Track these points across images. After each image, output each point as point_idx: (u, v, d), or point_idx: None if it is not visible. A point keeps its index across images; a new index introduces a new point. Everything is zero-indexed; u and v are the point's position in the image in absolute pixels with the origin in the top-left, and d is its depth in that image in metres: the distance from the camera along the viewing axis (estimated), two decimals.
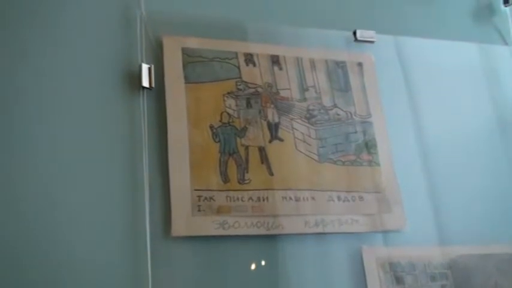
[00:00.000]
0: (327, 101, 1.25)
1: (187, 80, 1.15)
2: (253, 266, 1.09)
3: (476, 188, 1.29)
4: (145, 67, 1.13)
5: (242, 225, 1.09)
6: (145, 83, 1.12)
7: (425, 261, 1.17)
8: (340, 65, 1.29)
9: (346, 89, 1.27)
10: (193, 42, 1.19)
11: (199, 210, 1.07)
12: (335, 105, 1.25)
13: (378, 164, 1.23)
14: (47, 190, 1.02)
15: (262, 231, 1.10)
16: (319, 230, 1.13)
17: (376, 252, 1.15)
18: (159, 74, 1.14)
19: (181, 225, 1.05)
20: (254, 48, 1.23)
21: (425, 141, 1.30)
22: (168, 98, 1.13)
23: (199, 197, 1.08)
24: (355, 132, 1.24)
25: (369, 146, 1.24)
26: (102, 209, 1.03)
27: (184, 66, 1.16)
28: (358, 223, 1.16)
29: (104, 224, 1.02)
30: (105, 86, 1.12)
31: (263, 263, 1.10)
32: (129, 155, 1.08)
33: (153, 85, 1.12)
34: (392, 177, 1.22)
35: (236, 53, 1.21)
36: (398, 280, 1.14)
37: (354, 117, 1.25)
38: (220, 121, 1.15)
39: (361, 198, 1.19)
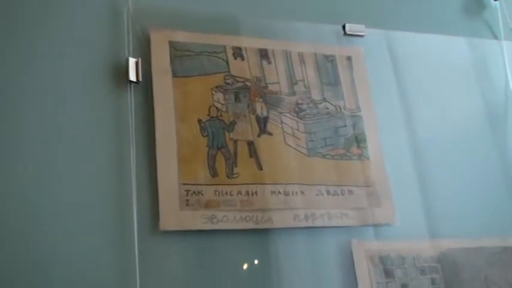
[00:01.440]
0: (316, 95, 1.24)
1: (175, 74, 1.15)
2: (242, 260, 1.09)
3: (467, 182, 1.29)
4: (132, 61, 1.12)
5: (231, 219, 1.08)
6: (132, 77, 1.11)
7: (414, 255, 1.16)
8: (330, 58, 1.28)
9: (335, 82, 1.27)
10: (180, 36, 1.18)
11: (187, 205, 1.06)
12: (324, 99, 1.24)
13: (368, 158, 1.22)
14: (34, 185, 1.01)
15: (251, 226, 1.09)
16: (309, 224, 1.13)
17: (365, 246, 1.15)
18: (146, 68, 1.13)
19: (169, 219, 1.04)
20: (242, 41, 1.22)
21: (415, 135, 1.30)
22: (155, 92, 1.12)
23: (187, 191, 1.07)
24: (345, 126, 1.24)
25: (359, 140, 1.23)
26: (89, 204, 1.02)
27: (172, 60, 1.15)
28: (348, 217, 1.16)
29: (91, 219, 1.01)
30: (92, 80, 1.11)
31: (252, 257, 1.10)
32: (116, 149, 1.07)
33: (140, 79, 1.11)
34: (382, 171, 1.22)
35: (224, 47, 1.20)
36: (388, 273, 1.13)
37: (344, 111, 1.25)
38: (208, 115, 1.14)
39: (350, 192, 1.18)
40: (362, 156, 1.22)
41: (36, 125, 1.04)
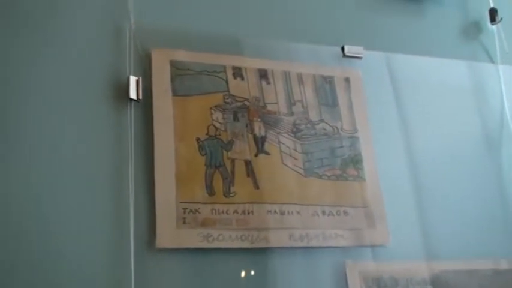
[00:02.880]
0: (313, 116, 1.26)
1: (175, 92, 1.16)
2: (238, 279, 1.10)
3: (462, 204, 1.30)
4: (133, 79, 1.13)
5: (226, 238, 1.09)
6: (133, 95, 1.12)
7: (408, 276, 1.17)
8: (328, 80, 1.30)
9: (333, 104, 1.29)
10: (181, 55, 1.20)
11: (184, 223, 1.08)
12: (322, 120, 1.26)
13: (364, 179, 1.24)
14: (32, 201, 1.02)
15: (247, 245, 1.10)
16: (304, 244, 1.14)
17: (359, 267, 1.16)
18: (147, 87, 1.15)
19: (166, 237, 1.06)
20: (242, 62, 1.24)
21: (411, 157, 1.31)
22: (155, 111, 1.13)
23: (184, 209, 1.09)
24: (342, 147, 1.25)
25: (355, 161, 1.25)
26: (86, 220, 1.03)
27: (173, 78, 1.17)
28: (342, 237, 1.17)
29: (88, 236, 1.03)
30: (93, 98, 1.12)
31: (248, 276, 1.11)
32: (115, 165, 1.08)
33: (140, 97, 1.13)
34: (377, 193, 1.23)
35: (224, 67, 1.22)
36: None
37: (341, 132, 1.26)
38: (207, 134, 1.16)
39: (345, 212, 1.19)
40: (358, 177, 1.23)
41: (36, 139, 1.06)
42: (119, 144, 1.10)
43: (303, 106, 1.26)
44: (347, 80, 1.31)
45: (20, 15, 1.12)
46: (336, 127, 1.26)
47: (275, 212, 1.14)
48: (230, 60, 1.23)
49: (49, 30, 1.14)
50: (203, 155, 1.14)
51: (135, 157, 1.09)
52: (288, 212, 1.15)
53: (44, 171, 1.04)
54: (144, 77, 1.15)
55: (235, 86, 1.22)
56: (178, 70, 1.18)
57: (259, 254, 1.12)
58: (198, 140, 1.14)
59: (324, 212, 1.18)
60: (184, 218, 1.08)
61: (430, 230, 1.25)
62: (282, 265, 1.12)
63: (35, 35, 1.12)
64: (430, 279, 1.19)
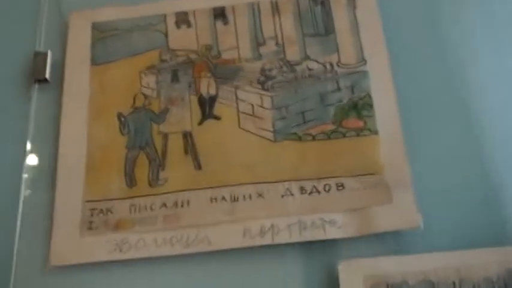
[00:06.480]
0: (293, 54, 0.87)
1: (95, 61, 0.90)
2: None
3: None
4: (41, 54, 0.90)
5: (149, 243, 0.77)
6: (39, 73, 0.89)
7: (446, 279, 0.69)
8: (319, 0, 0.90)
9: (325, 32, 0.88)
10: (108, 14, 0.93)
11: (90, 228, 0.79)
12: (307, 57, 0.86)
13: (375, 132, 0.80)
14: None
15: (178, 250, 0.76)
16: (266, 241, 0.75)
17: (363, 270, 0.72)
18: (60, 61, 0.90)
19: (63, 251, 0.78)
20: (190, 4, 0.92)
21: (454, 97, 0.83)
22: (65, 90, 0.88)
23: (92, 210, 0.80)
24: (337, 89, 0.84)
25: (360, 106, 0.82)
26: None
27: (93, 45, 0.91)
28: (335, 225, 0.75)
29: None
30: None
31: None
32: (10, 160, 0.85)
33: (50, 75, 0.89)
34: (398, 150, 0.78)
35: (164, 16, 0.92)
36: None
37: (336, 68, 0.85)
38: (132, 106, 0.86)
39: (340, 186, 0.77)
40: (365, 130, 0.80)
41: None
42: (18, 133, 0.86)
43: (276, 44, 0.88)
44: None
45: None
46: (330, 63, 0.85)
47: (223, 198, 0.78)
48: (173, 6, 0.92)
49: None
50: (125, 135, 0.84)
51: (35, 148, 0.84)
52: (244, 197, 0.78)
53: None
54: (59, 50, 0.91)
55: (178, 38, 0.90)
56: (101, 33, 0.92)
57: (198, 261, 0.76)
58: (119, 115, 0.85)
59: (302, 190, 0.77)
60: (91, 222, 0.79)
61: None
62: (232, 275, 0.75)
63: None
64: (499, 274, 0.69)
